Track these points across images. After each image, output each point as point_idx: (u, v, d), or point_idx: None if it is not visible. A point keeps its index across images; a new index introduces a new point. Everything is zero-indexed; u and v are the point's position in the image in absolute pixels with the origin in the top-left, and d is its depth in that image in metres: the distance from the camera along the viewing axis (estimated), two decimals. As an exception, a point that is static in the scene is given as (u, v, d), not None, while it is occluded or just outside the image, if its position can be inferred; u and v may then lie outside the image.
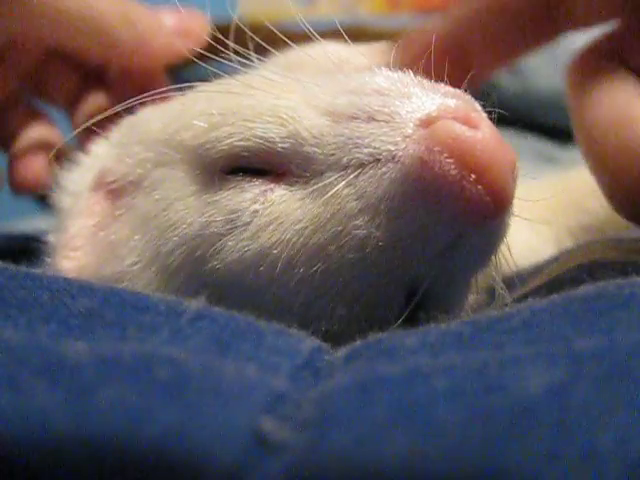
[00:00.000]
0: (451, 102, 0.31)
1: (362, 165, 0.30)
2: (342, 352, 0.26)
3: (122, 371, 0.21)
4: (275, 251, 0.31)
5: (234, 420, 0.20)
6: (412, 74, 0.33)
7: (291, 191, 0.32)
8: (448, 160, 0.29)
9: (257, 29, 0.38)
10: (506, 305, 0.32)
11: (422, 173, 0.29)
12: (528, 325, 0.23)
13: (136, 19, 0.49)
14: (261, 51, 0.38)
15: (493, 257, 0.33)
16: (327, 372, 0.24)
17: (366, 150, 0.30)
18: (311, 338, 0.26)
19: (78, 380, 0.21)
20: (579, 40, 0.40)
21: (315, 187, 0.31)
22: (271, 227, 0.31)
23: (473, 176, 0.29)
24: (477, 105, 0.32)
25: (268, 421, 0.20)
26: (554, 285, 0.33)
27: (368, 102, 0.31)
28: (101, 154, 0.41)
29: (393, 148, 0.30)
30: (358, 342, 0.26)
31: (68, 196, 0.42)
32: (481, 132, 0.29)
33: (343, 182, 0.30)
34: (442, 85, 0.33)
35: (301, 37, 0.38)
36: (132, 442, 0.19)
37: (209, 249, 0.32)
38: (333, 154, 0.31)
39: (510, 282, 0.36)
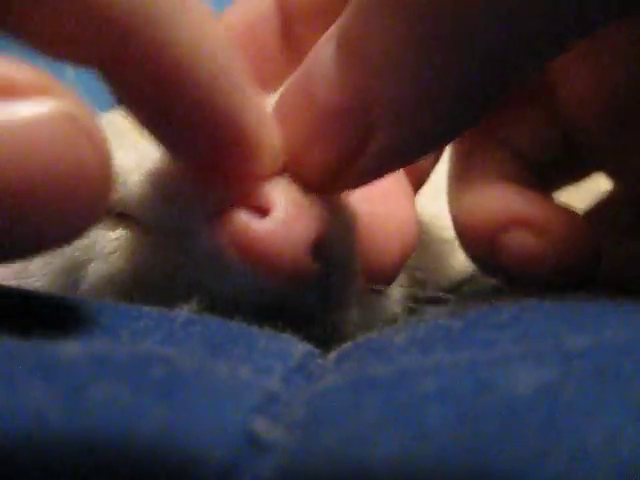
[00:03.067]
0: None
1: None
2: (333, 354, 0.26)
3: (115, 369, 0.21)
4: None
5: (226, 419, 0.20)
6: None
7: None
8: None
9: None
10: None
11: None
12: (518, 321, 0.23)
13: None
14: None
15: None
16: (319, 375, 0.24)
17: None
18: (303, 343, 0.27)
19: (71, 377, 0.21)
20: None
21: None
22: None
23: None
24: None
25: (260, 421, 0.21)
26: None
27: None
28: None
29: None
30: (349, 343, 0.26)
31: None
32: (267, 222, 0.27)
33: None
34: None
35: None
36: (124, 440, 0.19)
37: None
38: None
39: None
